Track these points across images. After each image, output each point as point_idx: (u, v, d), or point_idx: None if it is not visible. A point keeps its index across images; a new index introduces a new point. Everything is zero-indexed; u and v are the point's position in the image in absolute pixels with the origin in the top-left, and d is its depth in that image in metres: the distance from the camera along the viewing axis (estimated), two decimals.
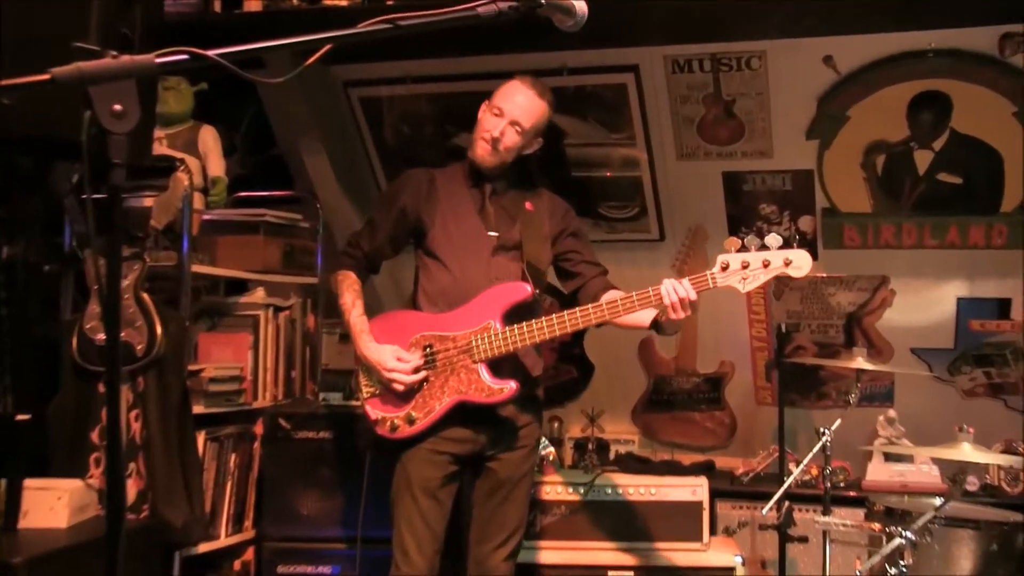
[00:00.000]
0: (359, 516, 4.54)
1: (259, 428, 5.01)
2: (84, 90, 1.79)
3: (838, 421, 4.37)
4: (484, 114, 3.92)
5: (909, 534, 3.68)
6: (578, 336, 6.09)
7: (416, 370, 3.79)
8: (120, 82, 1.81)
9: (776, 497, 4.32)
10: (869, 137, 5.14)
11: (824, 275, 5.49)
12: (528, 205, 4.02)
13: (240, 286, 5.43)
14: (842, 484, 5.34)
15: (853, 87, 5.00)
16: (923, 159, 5.13)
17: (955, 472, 3.84)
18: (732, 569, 4.80)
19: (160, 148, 4.97)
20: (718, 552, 4.92)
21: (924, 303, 5.50)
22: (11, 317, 4.21)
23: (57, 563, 3.62)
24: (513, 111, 3.85)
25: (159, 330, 4.26)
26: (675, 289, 3.52)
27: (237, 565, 4.98)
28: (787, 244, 3.52)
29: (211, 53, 1.93)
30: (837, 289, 5.55)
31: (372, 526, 4.50)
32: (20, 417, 4.21)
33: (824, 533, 4.38)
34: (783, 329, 5.15)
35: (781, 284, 5.42)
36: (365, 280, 4.10)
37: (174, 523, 4.30)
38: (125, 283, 4.22)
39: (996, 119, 4.91)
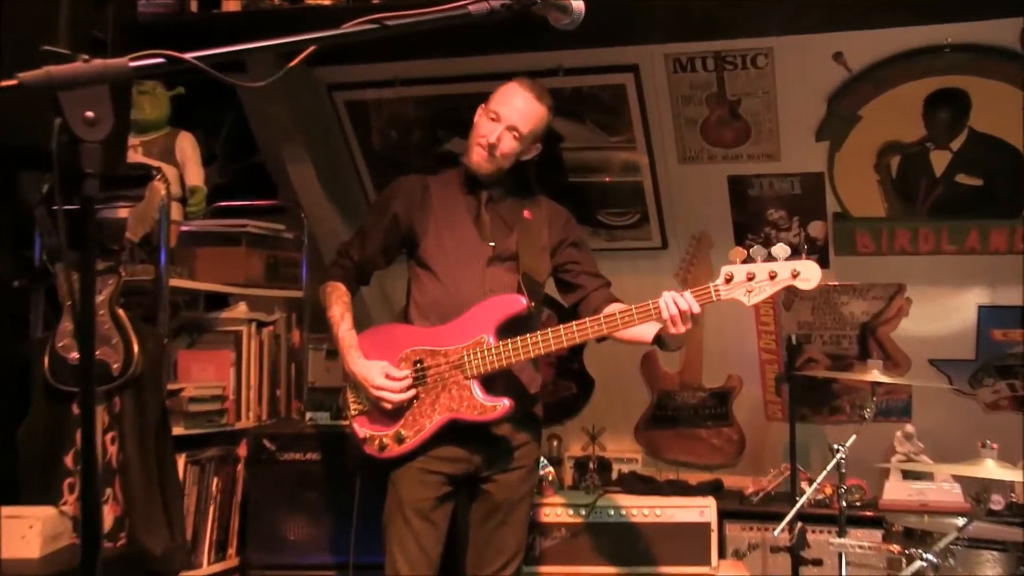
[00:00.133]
0: (350, 541, 4.52)
1: (242, 450, 5.00)
2: (54, 96, 1.78)
3: (853, 437, 4.36)
4: (480, 118, 3.91)
5: (930, 556, 3.67)
6: (577, 350, 6.08)
7: (406, 387, 3.78)
8: (92, 87, 1.80)
9: (788, 518, 4.30)
10: (882, 137, 5.13)
11: (836, 283, 5.49)
12: (526, 213, 4.01)
13: (221, 301, 5.43)
14: (858, 503, 5.33)
15: (865, 85, 4.99)
16: (940, 160, 5.12)
17: (978, 490, 3.82)
18: None
19: (135, 156, 4.96)
20: None
21: (943, 312, 5.49)
22: None
23: None
24: (511, 115, 3.84)
25: (136, 348, 4.25)
26: (674, 302, 3.51)
27: None
28: (795, 254, 3.51)
29: (188, 56, 1.93)
30: (850, 298, 5.54)
31: (364, 552, 4.48)
32: None
33: (839, 556, 4.36)
34: (793, 341, 5.15)
35: (791, 294, 5.42)
36: (355, 292, 4.10)
37: (153, 551, 4.28)
38: (99, 298, 4.21)
39: (1017, 117, 4.91)
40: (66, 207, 1.93)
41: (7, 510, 3.93)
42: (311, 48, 2.04)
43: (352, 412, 3.91)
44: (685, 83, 5.16)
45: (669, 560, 4.93)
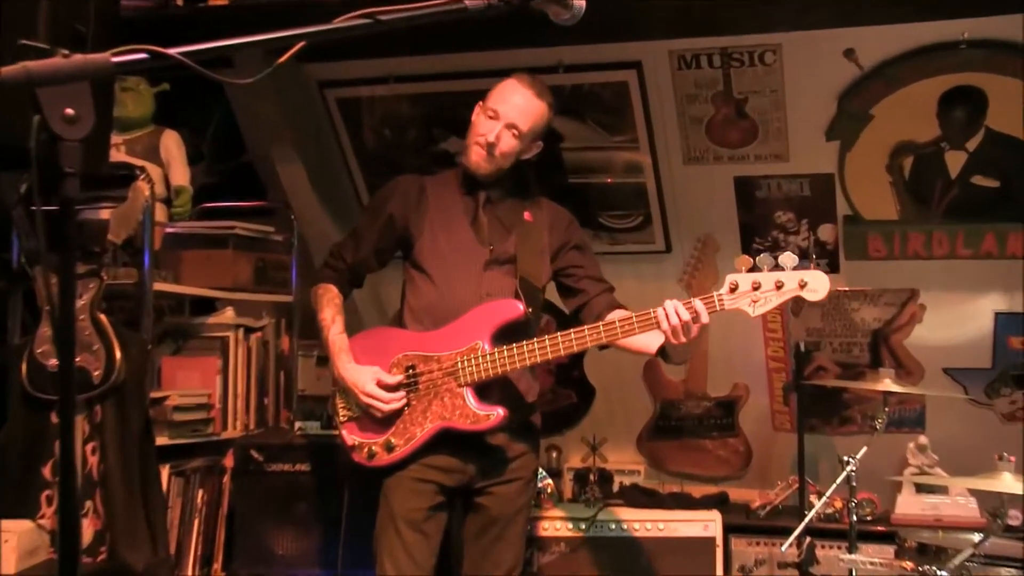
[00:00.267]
0: (338, 554, 4.52)
1: (229, 460, 5.00)
2: (32, 92, 1.77)
3: (864, 449, 4.35)
4: (478, 117, 3.90)
5: (945, 573, 3.66)
6: (577, 358, 6.08)
7: (397, 394, 3.78)
8: (72, 83, 1.79)
9: (796, 532, 4.29)
10: (895, 137, 5.13)
11: (847, 289, 5.48)
12: (526, 215, 4.00)
13: (207, 305, 5.43)
14: (869, 518, 5.32)
15: (877, 83, 4.99)
16: (955, 161, 5.12)
17: (995, 505, 3.81)
18: None
19: (118, 155, 4.96)
20: None
21: (958, 319, 5.48)
22: None
23: None
24: (509, 113, 3.83)
25: (118, 354, 4.24)
26: (676, 312, 3.49)
27: None
28: (804, 258, 3.50)
29: (173, 51, 1.92)
30: (861, 304, 5.54)
31: (354, 565, 4.49)
32: None
33: (850, 572, 4.35)
34: (802, 348, 5.15)
35: (799, 301, 5.42)
36: (348, 294, 4.10)
37: (135, 566, 4.27)
38: (80, 303, 4.20)
39: None
40: (45, 208, 1.92)
41: None
42: (301, 44, 2.03)
43: (341, 418, 3.91)
44: (690, 80, 5.16)
45: None
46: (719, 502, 5.57)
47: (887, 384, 4.33)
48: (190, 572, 4.81)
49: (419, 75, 5.46)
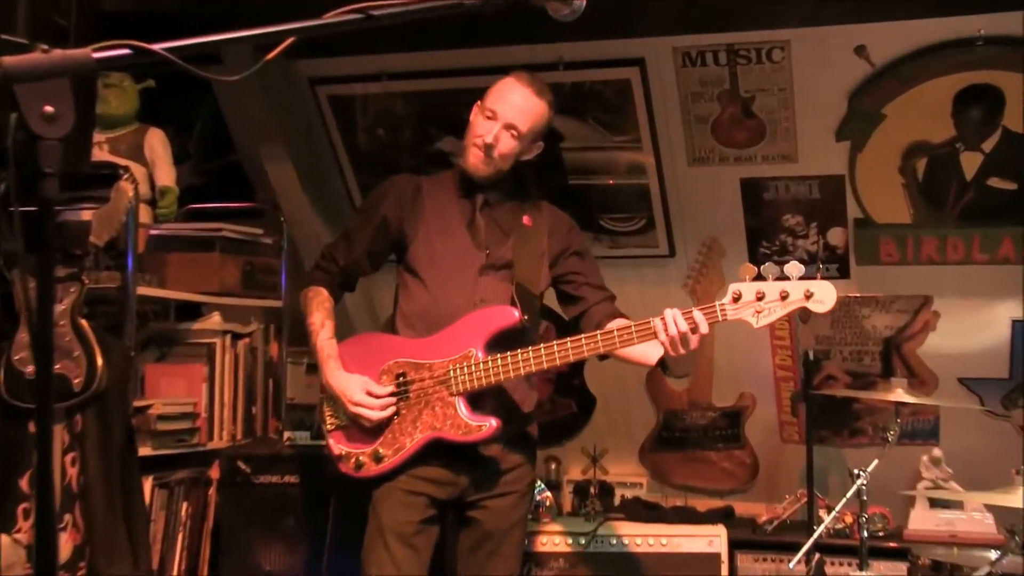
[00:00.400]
0: (322, 569, 4.52)
1: (215, 472, 5.00)
2: (9, 89, 1.77)
3: (875, 461, 4.34)
4: (476, 117, 3.90)
5: None
6: (577, 366, 6.07)
7: (387, 404, 3.77)
8: (51, 80, 1.79)
9: (805, 548, 4.29)
10: (908, 138, 5.13)
11: (858, 295, 5.48)
12: (525, 219, 3.99)
13: (193, 310, 5.43)
14: (881, 534, 5.30)
15: (890, 81, 4.99)
16: (971, 162, 5.12)
17: (1012, 521, 3.82)
18: None
19: (101, 154, 4.97)
20: None
21: (973, 326, 5.48)
22: None
23: None
24: (508, 113, 3.83)
25: (100, 361, 4.23)
26: (675, 321, 3.48)
27: None
28: (813, 263, 3.50)
29: (158, 47, 1.92)
30: (872, 311, 5.54)
31: None
32: None
33: None
34: (811, 356, 5.14)
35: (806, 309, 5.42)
36: (338, 298, 4.09)
37: None
38: (60, 308, 4.19)
39: None
40: (24, 209, 1.92)
41: None
42: (290, 39, 2.03)
43: (328, 427, 3.90)
44: (695, 78, 5.16)
45: None
46: (724, 516, 5.56)
47: (899, 394, 4.33)
48: None
49: (414, 72, 5.46)
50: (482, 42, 5.17)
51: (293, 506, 4.81)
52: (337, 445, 3.87)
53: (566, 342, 3.62)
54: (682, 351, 3.49)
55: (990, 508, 5.15)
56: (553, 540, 5.07)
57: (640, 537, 5.06)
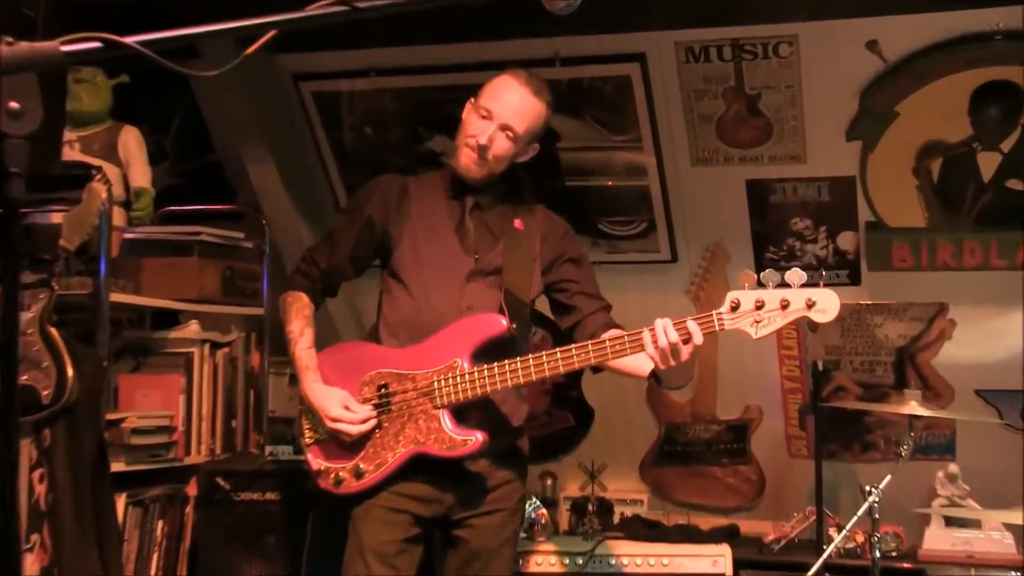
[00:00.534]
0: None
1: (192, 489, 5.00)
2: None
3: (888, 477, 4.34)
4: (469, 116, 3.88)
5: None
6: (574, 377, 6.06)
7: (366, 419, 3.75)
8: (17, 74, 1.77)
9: (814, 569, 4.29)
10: (923, 137, 5.13)
11: (869, 303, 5.48)
12: (517, 223, 3.98)
13: (170, 318, 5.42)
14: (894, 554, 5.29)
15: (903, 77, 4.99)
16: (989, 163, 5.12)
17: None
18: None
19: (72, 153, 4.96)
20: None
21: (991, 335, 5.46)
22: None
23: None
24: (503, 113, 3.81)
25: (70, 372, 4.21)
26: (665, 332, 3.46)
27: None
28: (820, 267, 3.48)
29: (131, 40, 1.90)
30: (885, 319, 5.54)
31: None
32: None
33: None
34: (820, 367, 5.15)
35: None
36: (319, 304, 4.08)
37: None
38: (28, 316, 4.17)
39: None
40: None
41: None
42: (272, 32, 2.01)
43: (306, 441, 3.90)
44: (698, 75, 5.16)
45: None
46: (729, 535, 5.55)
47: (913, 407, 4.33)
48: None
49: (403, 68, 5.46)
50: (474, 36, 5.17)
51: (275, 525, 4.81)
52: (316, 460, 3.85)
53: (556, 353, 3.60)
54: (672, 363, 3.47)
55: (1009, 527, 5.15)
56: (549, 560, 5.06)
57: (640, 557, 5.06)
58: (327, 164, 5.86)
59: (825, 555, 4.36)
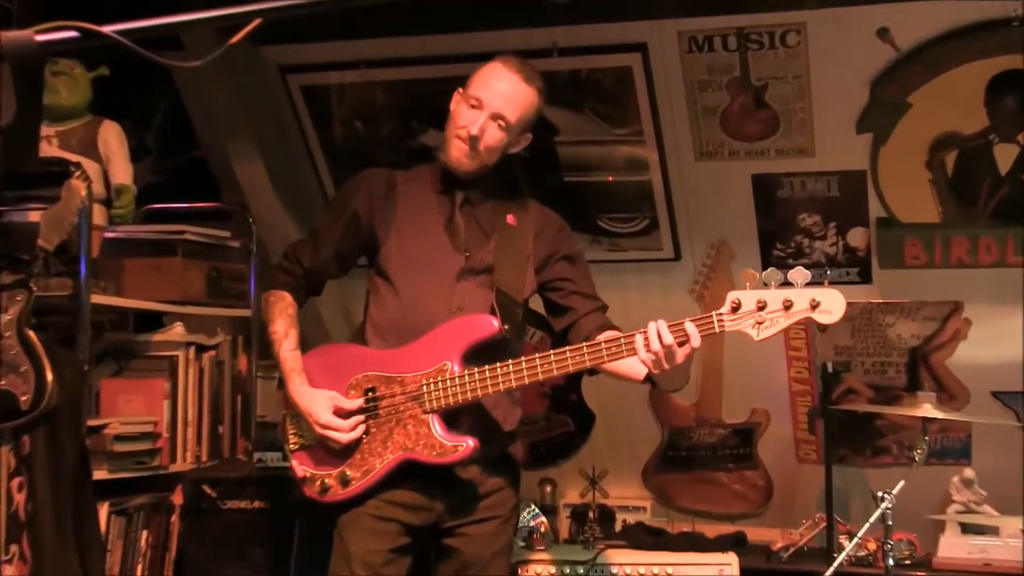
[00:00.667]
0: None
1: (178, 497, 4.98)
2: None
3: (901, 483, 4.35)
4: (458, 106, 3.86)
5: None
6: (574, 380, 6.05)
7: (356, 424, 3.73)
8: None
9: None
10: (937, 129, 5.14)
11: (881, 301, 5.48)
12: (510, 218, 3.95)
13: (153, 320, 5.40)
14: (907, 562, 5.28)
15: (915, 67, 4.99)
16: (1006, 155, 5.13)
17: None
18: None
19: (49, 149, 4.95)
20: None
21: (1008, 335, 5.44)
22: None
23: None
24: (494, 102, 3.78)
25: (50, 376, 4.19)
26: (659, 336, 3.44)
27: None
28: (826, 267, 3.46)
29: (109, 29, 1.88)
30: (897, 318, 5.54)
31: None
32: None
33: None
34: (830, 369, 5.14)
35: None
36: (303, 303, 4.04)
37: None
38: (6, 318, 4.16)
39: None
40: None
41: None
42: (257, 21, 1.99)
43: (291, 446, 3.87)
44: (702, 65, 5.16)
45: None
46: (736, 543, 5.55)
47: (927, 409, 4.33)
48: None
49: (394, 59, 5.46)
50: (469, 26, 5.17)
51: (263, 534, 4.80)
52: (301, 467, 3.83)
53: (549, 355, 3.57)
54: (667, 367, 3.45)
55: None
56: (549, 569, 5.06)
57: (644, 566, 5.06)
58: (316, 160, 5.86)
59: (836, 564, 4.36)
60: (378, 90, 5.56)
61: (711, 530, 5.82)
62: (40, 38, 1.80)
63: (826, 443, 5.14)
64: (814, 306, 3.36)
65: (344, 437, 3.70)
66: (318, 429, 3.72)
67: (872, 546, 5.23)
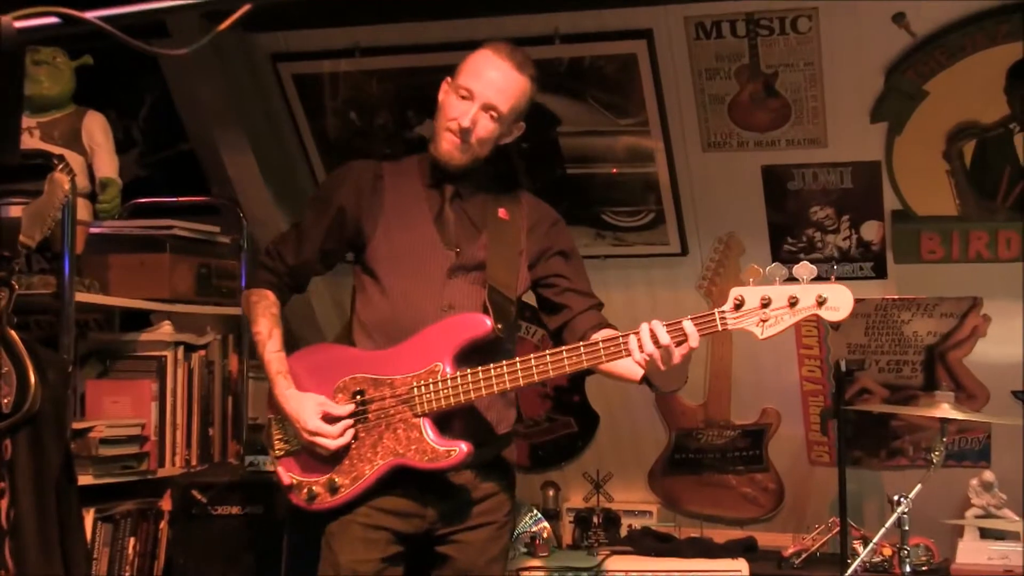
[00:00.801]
0: None
1: (166, 503, 4.98)
2: None
3: (918, 486, 4.35)
4: (447, 97, 3.82)
5: None
6: (577, 380, 6.05)
7: (345, 429, 3.70)
8: None
9: None
10: (954, 118, 5.13)
11: (896, 297, 5.47)
12: (502, 212, 3.92)
13: (140, 319, 5.40)
14: (924, 568, 5.27)
15: (932, 53, 4.98)
16: None
17: None
18: None
19: (31, 141, 4.96)
20: None
21: None
22: None
23: None
24: (486, 92, 3.75)
25: (32, 378, 4.17)
26: (653, 336, 3.39)
27: None
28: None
29: (91, 15, 1.85)
30: (913, 315, 5.53)
31: None
32: None
33: None
34: (843, 367, 5.11)
35: None
36: (286, 301, 4.01)
37: None
38: None
39: None
40: None
41: None
42: (246, 7, 1.97)
43: (277, 452, 3.84)
44: (710, 52, 5.16)
45: None
46: (746, 549, 5.56)
47: (945, 410, 4.33)
48: None
49: (390, 47, 5.46)
50: (467, 12, 5.17)
51: (255, 540, 4.79)
52: (287, 473, 3.80)
53: (545, 356, 3.54)
54: (663, 368, 3.42)
55: None
56: None
57: (650, 573, 5.07)
58: (309, 152, 5.85)
59: (851, 570, 4.35)
60: (373, 79, 5.56)
61: (720, 535, 5.82)
62: (18, 24, 1.78)
63: (839, 445, 5.12)
64: (820, 302, 3.33)
65: (333, 444, 3.67)
66: (306, 436, 3.69)
67: (888, 552, 5.23)
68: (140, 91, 5.96)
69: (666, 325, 3.37)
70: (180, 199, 5.64)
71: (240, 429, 5.57)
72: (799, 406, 5.87)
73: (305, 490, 3.75)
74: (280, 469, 3.82)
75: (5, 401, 4.14)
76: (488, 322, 3.67)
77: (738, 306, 3.37)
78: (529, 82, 3.82)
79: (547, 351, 3.55)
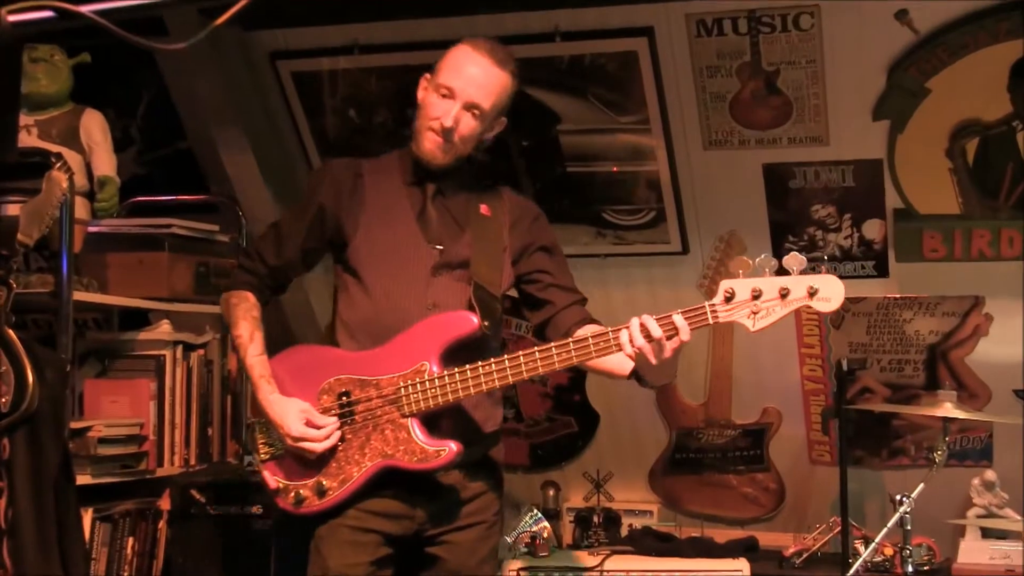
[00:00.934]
0: None
1: (165, 502, 4.97)
2: None
3: (920, 486, 4.35)
4: (427, 95, 3.80)
5: None
6: (577, 378, 6.04)
7: (331, 432, 3.68)
8: None
9: None
10: (957, 116, 5.13)
11: (898, 296, 5.46)
12: (484, 208, 3.90)
13: (139, 318, 5.39)
14: (926, 568, 5.26)
15: (935, 50, 4.98)
16: None
17: None
18: None
19: (29, 139, 4.96)
20: None
21: None
22: None
23: None
24: (467, 90, 3.73)
25: (31, 377, 4.17)
26: (644, 330, 3.38)
27: None
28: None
29: (87, 9, 1.85)
30: (915, 314, 5.52)
31: None
32: None
33: None
34: (845, 367, 5.11)
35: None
36: (266, 302, 3.99)
37: None
38: None
39: None
40: None
41: None
42: (243, 2, 1.96)
43: (262, 456, 3.81)
44: (711, 50, 5.15)
45: None
46: (747, 548, 5.56)
47: (947, 409, 4.33)
48: None
49: (389, 44, 5.46)
50: (467, 9, 5.17)
51: (255, 541, 4.77)
52: (273, 478, 3.77)
53: (533, 353, 3.52)
54: (654, 362, 3.40)
55: None
56: None
57: (651, 573, 5.07)
58: (308, 150, 5.85)
59: (852, 570, 4.35)
60: (372, 76, 5.56)
61: (721, 535, 5.82)
62: (12, 18, 1.77)
63: (841, 444, 5.12)
64: (812, 293, 3.32)
65: (319, 447, 3.65)
66: (290, 442, 3.67)
67: (889, 551, 5.23)
68: (138, 89, 5.96)
69: (657, 319, 3.36)
70: (178, 197, 5.65)
71: (239, 429, 5.56)
72: (800, 405, 5.87)
73: (292, 494, 3.72)
74: (266, 473, 3.78)
75: (3, 400, 4.14)
76: (475, 320, 3.65)
77: (728, 299, 3.34)
78: (510, 77, 3.79)
79: (536, 348, 3.53)
